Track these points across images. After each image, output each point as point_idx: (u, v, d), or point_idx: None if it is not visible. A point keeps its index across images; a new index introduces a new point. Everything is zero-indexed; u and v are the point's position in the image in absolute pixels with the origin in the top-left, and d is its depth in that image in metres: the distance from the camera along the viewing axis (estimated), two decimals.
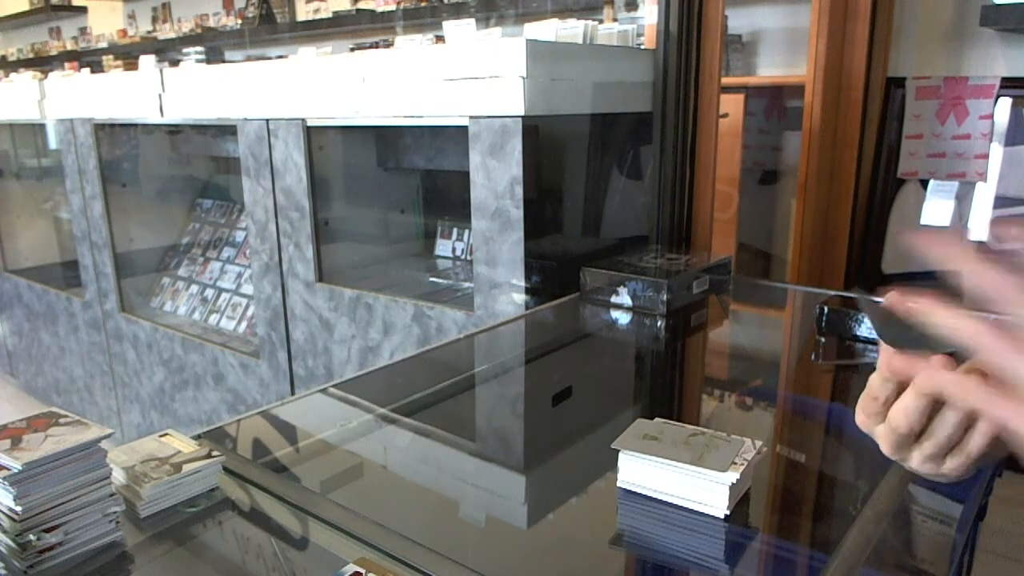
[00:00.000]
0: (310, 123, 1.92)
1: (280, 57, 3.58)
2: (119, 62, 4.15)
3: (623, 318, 1.49)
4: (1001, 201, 2.03)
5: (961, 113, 2.04)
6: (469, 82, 1.56)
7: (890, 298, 0.52)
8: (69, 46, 5.85)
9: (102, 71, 3.51)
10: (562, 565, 0.76)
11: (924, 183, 2.14)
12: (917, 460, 0.51)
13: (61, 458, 0.68)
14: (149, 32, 5.10)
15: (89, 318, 2.92)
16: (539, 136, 1.54)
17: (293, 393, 2.17)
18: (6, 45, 6.65)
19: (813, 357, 1.28)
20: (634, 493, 0.79)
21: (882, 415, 0.51)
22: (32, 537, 0.67)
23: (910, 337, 0.49)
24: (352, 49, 3.49)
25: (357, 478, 0.93)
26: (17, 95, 3.00)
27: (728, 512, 0.74)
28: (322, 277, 2.01)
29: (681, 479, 0.76)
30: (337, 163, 2.16)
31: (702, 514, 0.75)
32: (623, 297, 1.50)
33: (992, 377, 0.45)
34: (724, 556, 0.72)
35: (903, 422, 0.49)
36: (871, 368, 0.51)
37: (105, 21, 5.60)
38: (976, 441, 0.49)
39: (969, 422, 0.49)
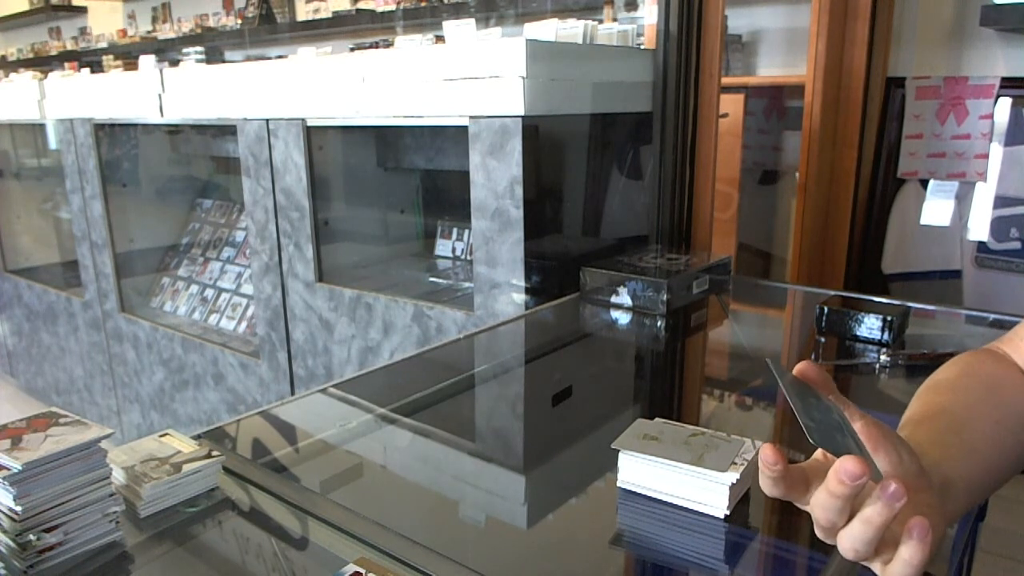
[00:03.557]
0: (310, 123, 1.92)
1: (280, 57, 3.58)
2: (119, 62, 4.15)
3: (623, 318, 1.49)
4: (1001, 201, 2.03)
5: (961, 113, 2.04)
6: (469, 82, 1.55)
7: (802, 368, 0.51)
8: (69, 46, 5.85)
9: (102, 71, 3.51)
10: (562, 565, 0.76)
11: (924, 183, 2.14)
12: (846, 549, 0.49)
13: (61, 458, 0.68)
14: (149, 32, 5.10)
15: (89, 318, 2.92)
16: (539, 136, 1.54)
17: (293, 393, 2.17)
18: (6, 45, 6.65)
19: (813, 357, 1.28)
20: (634, 493, 0.79)
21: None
22: (32, 537, 0.67)
23: (820, 420, 0.48)
24: (352, 49, 3.49)
25: (357, 478, 0.93)
26: (17, 95, 3.00)
27: (728, 512, 0.74)
28: (322, 277, 2.01)
29: (681, 479, 0.76)
30: (337, 163, 2.16)
31: (702, 514, 0.75)
32: (623, 297, 1.50)
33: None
34: (724, 556, 0.72)
35: (823, 517, 0.48)
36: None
37: (105, 21, 5.60)
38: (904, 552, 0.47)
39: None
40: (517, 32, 1.66)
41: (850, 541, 0.47)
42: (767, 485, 0.49)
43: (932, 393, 0.66)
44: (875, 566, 0.49)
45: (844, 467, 0.44)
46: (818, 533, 0.50)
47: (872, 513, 0.46)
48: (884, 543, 0.47)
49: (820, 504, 0.47)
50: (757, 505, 0.78)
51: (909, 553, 0.46)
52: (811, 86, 1.94)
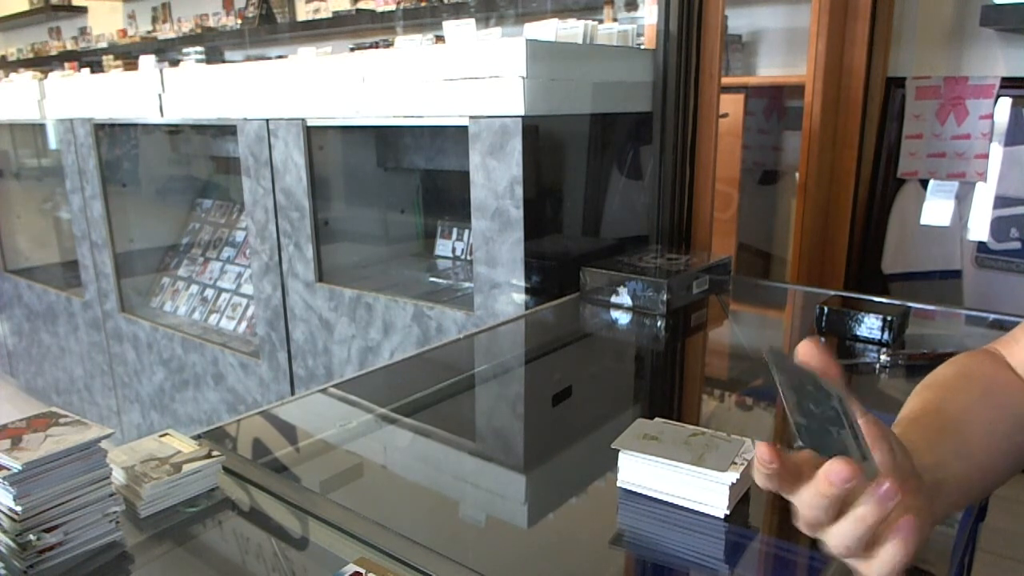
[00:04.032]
0: (310, 123, 1.92)
1: (280, 57, 3.58)
2: (119, 62, 4.15)
3: (623, 318, 1.49)
4: (1001, 201, 2.03)
5: (961, 113, 2.04)
6: (469, 82, 1.55)
7: (803, 348, 0.49)
8: (69, 46, 5.85)
9: (102, 71, 3.51)
10: (562, 565, 0.76)
11: (924, 183, 2.14)
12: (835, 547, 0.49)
13: (61, 458, 0.68)
14: (149, 32, 5.10)
15: (89, 318, 2.92)
16: (539, 136, 1.54)
17: (293, 393, 2.17)
18: (6, 45, 6.64)
19: None
20: (634, 493, 0.79)
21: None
22: (32, 537, 0.67)
23: (816, 414, 0.47)
24: (352, 49, 3.49)
25: (357, 478, 0.93)
26: (17, 95, 3.00)
27: (728, 512, 0.74)
28: (322, 277, 2.01)
29: (681, 479, 0.76)
30: (337, 163, 2.16)
31: (702, 514, 0.75)
32: (623, 297, 1.50)
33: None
34: (724, 556, 0.72)
35: (808, 515, 0.48)
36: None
37: (105, 21, 5.60)
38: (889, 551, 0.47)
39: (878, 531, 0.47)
40: (517, 32, 1.66)
41: (840, 538, 0.48)
42: (761, 480, 0.50)
43: (928, 392, 0.66)
44: (858, 563, 0.49)
45: (833, 469, 0.45)
46: (800, 526, 0.50)
47: (865, 512, 0.46)
48: (870, 541, 0.47)
49: (807, 502, 0.48)
50: (757, 505, 0.78)
51: (892, 552, 0.46)
52: (811, 86, 1.94)
